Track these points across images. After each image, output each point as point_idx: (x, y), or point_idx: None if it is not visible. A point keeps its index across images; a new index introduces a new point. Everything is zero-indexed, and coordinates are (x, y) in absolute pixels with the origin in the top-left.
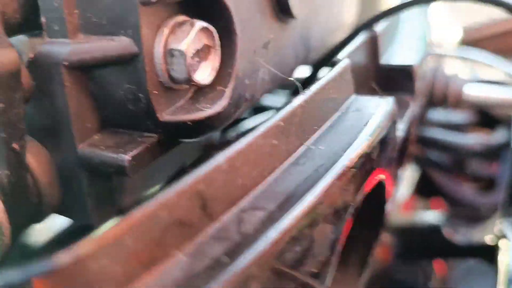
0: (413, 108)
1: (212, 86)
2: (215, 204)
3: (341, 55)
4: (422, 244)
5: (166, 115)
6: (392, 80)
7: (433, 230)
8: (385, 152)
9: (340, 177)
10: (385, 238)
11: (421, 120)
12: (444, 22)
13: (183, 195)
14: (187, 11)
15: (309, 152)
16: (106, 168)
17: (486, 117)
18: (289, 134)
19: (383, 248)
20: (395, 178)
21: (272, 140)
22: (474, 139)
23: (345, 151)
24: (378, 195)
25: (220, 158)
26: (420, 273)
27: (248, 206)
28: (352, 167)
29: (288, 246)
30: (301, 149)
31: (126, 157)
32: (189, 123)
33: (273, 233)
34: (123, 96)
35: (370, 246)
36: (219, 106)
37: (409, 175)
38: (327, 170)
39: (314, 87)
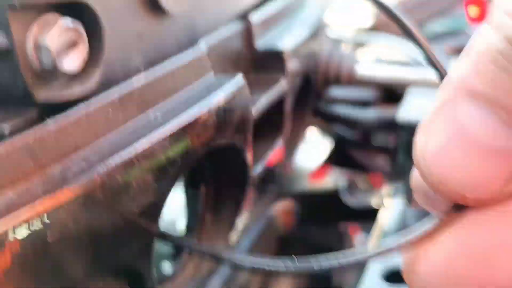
0: (283, 86)
1: (84, 71)
2: (45, 157)
3: (212, 40)
4: (322, 208)
5: (42, 97)
6: (265, 63)
7: (333, 196)
8: (231, 121)
9: (167, 137)
10: (288, 204)
11: (318, 96)
12: (355, 9)
13: (13, 148)
14: (58, 10)
15: (146, 120)
16: None
17: (392, 94)
18: (127, 104)
19: (286, 213)
20: (270, 146)
21: (109, 109)
22: (374, 113)
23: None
24: (234, 159)
25: (50, 120)
26: (334, 236)
27: (75, 158)
28: (181, 130)
29: (106, 188)
30: (140, 117)
31: (6, 125)
32: (62, 103)
33: (88, 175)
34: (3, 83)
35: (238, 204)
36: (87, 88)
37: (320, 146)
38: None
39: (161, 65)
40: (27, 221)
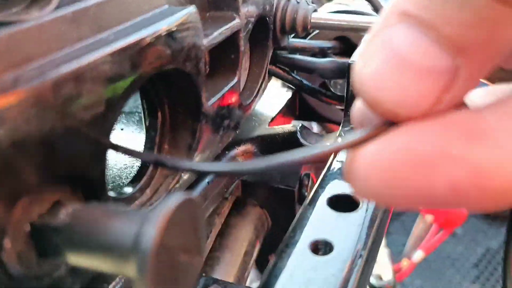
0: (237, 23)
1: None
2: None
3: None
4: (280, 150)
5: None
6: (220, 3)
7: (290, 138)
8: (182, 47)
9: (114, 52)
10: (248, 147)
11: (278, 45)
12: None
13: None
14: None
15: (99, 39)
16: None
17: (349, 45)
18: (80, 24)
19: (246, 156)
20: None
21: (62, 25)
22: (329, 60)
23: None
24: (187, 87)
25: (2, 30)
26: (296, 181)
27: (27, 67)
28: (131, 47)
29: (57, 93)
30: (94, 37)
31: None
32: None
33: (39, 80)
34: None
35: (193, 133)
36: (46, 11)
37: (280, 95)
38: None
39: None
40: None
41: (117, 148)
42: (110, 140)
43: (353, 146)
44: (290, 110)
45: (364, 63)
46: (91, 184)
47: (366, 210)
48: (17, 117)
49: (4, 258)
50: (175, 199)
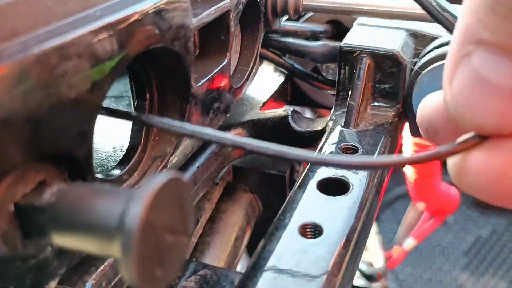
0: (226, 3)
1: None
2: None
3: None
4: (272, 135)
5: None
6: None
7: (281, 122)
8: (170, 25)
9: (100, 28)
10: (239, 131)
11: (268, 26)
12: None
13: None
14: None
15: (85, 16)
16: None
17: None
18: (66, 2)
19: None
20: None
21: (47, 1)
22: (321, 43)
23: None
24: (175, 66)
25: None
26: (287, 166)
27: (12, 41)
28: (118, 24)
29: (41, 68)
30: (80, 14)
31: None
32: None
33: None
34: None
35: (182, 114)
36: None
37: (272, 79)
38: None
39: None
40: None
41: (108, 110)
42: (96, 118)
43: (452, 154)
44: (282, 95)
45: (452, 90)
46: (77, 164)
47: (356, 194)
48: (0, 93)
49: None
50: (162, 177)
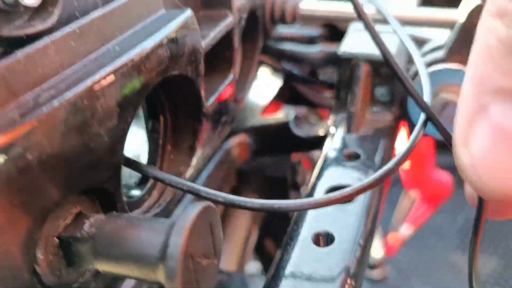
0: (231, 22)
1: (44, 7)
2: (17, 86)
3: None
4: (274, 140)
5: (6, 33)
6: (213, 0)
7: (283, 127)
8: (183, 52)
9: (122, 66)
10: (242, 137)
11: (267, 35)
12: None
13: None
14: None
15: (106, 52)
16: None
17: (338, 32)
18: (87, 38)
19: (241, 146)
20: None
21: (71, 40)
22: (319, 49)
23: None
24: (187, 90)
25: (19, 52)
26: (287, 166)
27: (45, 87)
28: (138, 59)
29: (75, 111)
30: (101, 49)
31: None
32: (25, 37)
33: (56, 102)
34: None
35: (195, 133)
36: (48, 23)
37: (270, 83)
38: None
39: (116, 1)
40: (7, 144)
41: (131, 163)
42: (123, 150)
43: None
44: (280, 95)
45: (470, 149)
46: (108, 195)
47: (362, 201)
48: (42, 140)
49: (38, 269)
50: (194, 208)
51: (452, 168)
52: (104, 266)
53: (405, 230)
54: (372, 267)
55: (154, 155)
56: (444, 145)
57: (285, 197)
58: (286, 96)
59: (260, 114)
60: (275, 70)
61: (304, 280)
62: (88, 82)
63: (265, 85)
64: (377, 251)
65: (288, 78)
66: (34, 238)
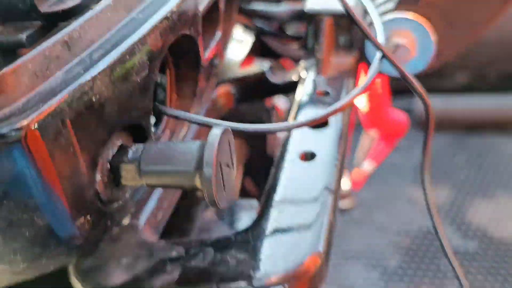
0: None
1: None
2: (75, 48)
3: None
4: (254, 89)
5: (44, 9)
6: None
7: (260, 77)
8: (188, 16)
9: (153, 28)
10: (227, 88)
11: None
12: None
13: (56, 42)
14: None
15: (132, 19)
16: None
17: None
18: (118, 10)
19: (226, 96)
20: (212, 36)
21: (107, 11)
22: (286, 8)
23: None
24: (190, 47)
25: (76, 22)
26: (264, 112)
27: (94, 48)
28: (159, 23)
29: (122, 65)
30: (128, 17)
31: (23, 36)
32: (61, 12)
33: (109, 57)
34: (12, 2)
35: (195, 82)
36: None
37: (245, 40)
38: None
39: None
40: (80, 91)
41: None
42: (152, 94)
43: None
44: (252, 50)
45: None
46: (142, 130)
47: (335, 127)
48: (101, 86)
49: (97, 187)
50: (218, 130)
51: (407, 110)
52: (150, 180)
53: (367, 166)
54: (340, 197)
55: (164, 103)
56: (398, 90)
57: (264, 138)
58: (258, 50)
59: (239, 67)
60: (248, 27)
61: (293, 190)
62: (128, 42)
63: (239, 41)
64: (344, 183)
65: (259, 34)
66: (95, 163)
